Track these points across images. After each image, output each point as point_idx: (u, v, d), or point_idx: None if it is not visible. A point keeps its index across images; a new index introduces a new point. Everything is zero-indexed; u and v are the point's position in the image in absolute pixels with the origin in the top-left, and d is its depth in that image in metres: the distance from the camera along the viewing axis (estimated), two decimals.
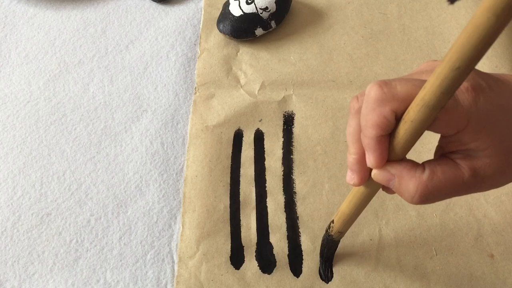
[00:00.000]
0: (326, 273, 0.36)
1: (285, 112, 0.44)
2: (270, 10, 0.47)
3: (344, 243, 0.37)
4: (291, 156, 0.41)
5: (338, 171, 0.40)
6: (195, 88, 0.46)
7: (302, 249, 0.37)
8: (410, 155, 0.24)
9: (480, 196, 0.39)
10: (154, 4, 0.53)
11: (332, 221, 0.32)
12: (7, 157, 0.42)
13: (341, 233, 0.33)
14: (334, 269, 0.36)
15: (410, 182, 0.24)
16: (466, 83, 0.22)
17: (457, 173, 0.23)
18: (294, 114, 0.44)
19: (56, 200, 0.40)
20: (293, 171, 0.41)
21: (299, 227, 0.38)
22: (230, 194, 0.40)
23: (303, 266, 0.36)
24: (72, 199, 0.40)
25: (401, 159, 0.24)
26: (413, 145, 0.23)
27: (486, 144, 0.23)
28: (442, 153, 0.25)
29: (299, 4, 0.52)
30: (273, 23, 0.48)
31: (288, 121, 0.44)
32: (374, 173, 0.25)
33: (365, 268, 0.36)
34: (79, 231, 0.39)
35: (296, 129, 0.43)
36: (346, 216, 0.30)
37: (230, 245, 0.37)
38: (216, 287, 0.36)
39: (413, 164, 0.24)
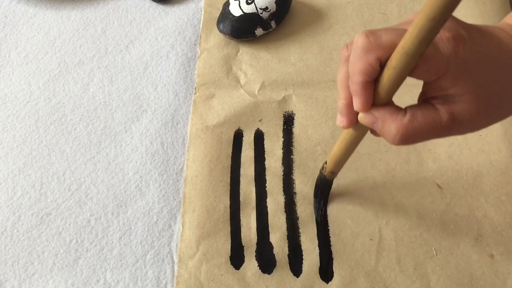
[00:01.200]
0: (319, 212, 0.38)
1: (285, 112, 0.44)
2: (270, 10, 0.47)
3: (344, 242, 0.37)
4: (291, 156, 0.41)
5: None
6: (195, 88, 0.46)
7: (302, 249, 0.37)
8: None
9: (480, 196, 0.39)
10: (154, 4, 0.53)
11: (325, 162, 0.35)
12: (7, 157, 0.42)
13: (333, 173, 0.35)
14: (334, 269, 0.36)
15: (392, 124, 0.25)
16: (447, 33, 0.24)
17: (436, 117, 0.25)
18: (294, 114, 0.44)
19: (56, 200, 0.40)
20: (293, 171, 0.41)
21: (299, 227, 0.38)
22: (230, 194, 0.40)
23: (303, 266, 0.36)
24: (72, 199, 0.40)
25: (385, 104, 0.26)
26: (395, 90, 0.25)
27: (464, 90, 0.24)
28: (424, 99, 0.26)
29: (299, 4, 0.52)
30: (273, 23, 0.48)
31: (288, 121, 0.44)
32: (360, 116, 0.27)
33: (365, 268, 0.36)
34: (79, 231, 0.39)
35: (296, 129, 0.43)
36: (337, 157, 0.33)
37: (230, 245, 0.37)
38: (216, 287, 0.36)
39: (396, 108, 0.26)
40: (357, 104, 0.26)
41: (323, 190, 0.38)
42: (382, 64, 0.24)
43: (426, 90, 0.26)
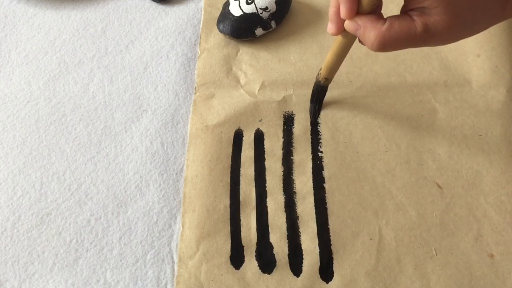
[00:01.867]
0: (314, 114, 0.43)
1: (285, 112, 0.44)
2: (270, 10, 0.47)
3: (344, 242, 0.37)
4: (291, 157, 0.41)
5: (338, 170, 0.40)
6: (195, 88, 0.46)
7: (302, 248, 0.37)
8: None
9: (480, 196, 0.39)
10: (154, 4, 0.53)
11: (320, 69, 0.40)
12: (7, 157, 0.43)
13: (327, 79, 0.40)
14: (334, 269, 0.36)
15: (372, 31, 0.29)
16: None
17: (411, 27, 0.28)
18: (294, 114, 0.44)
19: (56, 200, 0.40)
20: (293, 171, 0.41)
21: (299, 227, 0.38)
22: (230, 194, 0.40)
23: (303, 265, 0.36)
24: (72, 199, 0.40)
25: (368, 13, 0.29)
26: (377, 1, 0.29)
27: (437, 2, 0.27)
28: (404, 11, 0.29)
29: (299, 4, 0.52)
30: (273, 23, 0.48)
31: (288, 121, 0.44)
32: (346, 23, 0.30)
33: (365, 268, 0.36)
34: (79, 231, 0.39)
35: (296, 129, 0.43)
36: (330, 63, 0.37)
37: (230, 245, 0.37)
38: (216, 287, 0.36)
39: (377, 17, 0.29)
40: (342, 11, 0.29)
41: (319, 96, 0.42)
42: None
43: (406, 3, 0.29)
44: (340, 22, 0.31)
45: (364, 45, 0.30)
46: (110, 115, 0.45)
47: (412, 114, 0.43)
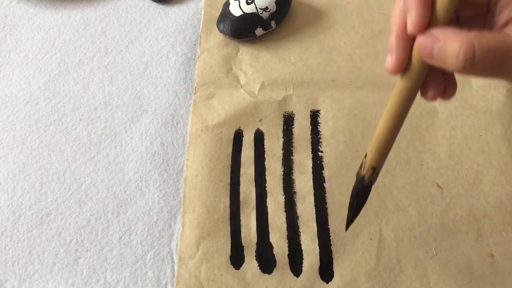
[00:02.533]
0: (348, 223, 0.32)
1: (285, 112, 0.44)
2: (270, 10, 0.47)
3: (344, 242, 0.37)
4: (291, 157, 0.41)
5: (338, 170, 0.40)
6: (195, 88, 0.46)
7: (302, 248, 0.37)
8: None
9: (480, 196, 0.39)
10: (154, 4, 0.53)
11: (365, 156, 0.29)
12: (7, 157, 0.43)
13: (375, 169, 0.29)
14: (334, 269, 0.36)
15: (455, 41, 0.22)
16: None
17: (506, 39, 0.22)
18: (294, 114, 0.44)
19: (56, 200, 0.40)
20: (293, 171, 0.41)
21: (299, 227, 0.38)
22: (230, 194, 0.40)
23: (303, 266, 0.36)
24: (72, 199, 0.40)
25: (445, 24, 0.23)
26: (457, 6, 0.23)
27: None
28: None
29: (299, 4, 0.52)
30: (273, 23, 0.48)
31: (288, 121, 0.44)
32: (419, 40, 0.23)
33: (365, 268, 0.36)
34: (79, 231, 0.39)
35: (296, 129, 0.43)
36: (382, 135, 0.27)
37: (230, 245, 0.37)
38: (216, 287, 0.36)
39: (458, 28, 0.23)
40: (412, 20, 0.23)
41: (359, 201, 0.31)
42: None
43: (493, 15, 0.24)
44: (403, 49, 0.24)
45: (445, 65, 0.23)
46: (110, 115, 0.45)
47: (412, 114, 0.43)
